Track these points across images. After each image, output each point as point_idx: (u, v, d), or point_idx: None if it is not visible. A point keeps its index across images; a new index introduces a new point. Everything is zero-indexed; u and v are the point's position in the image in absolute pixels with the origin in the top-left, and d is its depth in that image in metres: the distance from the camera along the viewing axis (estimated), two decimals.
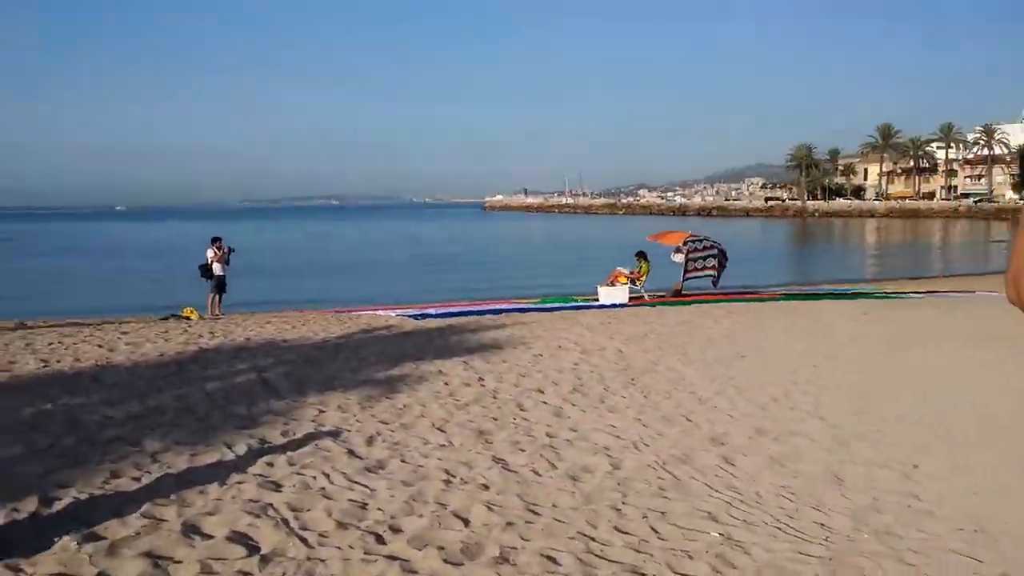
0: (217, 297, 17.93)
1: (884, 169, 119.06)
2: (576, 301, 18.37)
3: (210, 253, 17.68)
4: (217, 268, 17.71)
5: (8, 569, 4.26)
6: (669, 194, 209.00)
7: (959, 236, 63.73)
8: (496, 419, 7.27)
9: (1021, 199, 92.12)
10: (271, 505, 5.17)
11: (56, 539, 4.64)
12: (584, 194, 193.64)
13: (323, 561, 4.31)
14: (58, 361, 10.36)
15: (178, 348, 11.32)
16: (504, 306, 17.16)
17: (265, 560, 4.32)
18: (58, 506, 5.26)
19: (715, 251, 19.28)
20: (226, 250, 17.73)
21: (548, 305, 17.47)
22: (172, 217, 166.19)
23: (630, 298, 17.90)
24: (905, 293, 20.28)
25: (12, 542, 4.53)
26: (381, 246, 56.25)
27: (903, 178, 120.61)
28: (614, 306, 17.23)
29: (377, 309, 17.91)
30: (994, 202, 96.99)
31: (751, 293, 20.19)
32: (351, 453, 6.29)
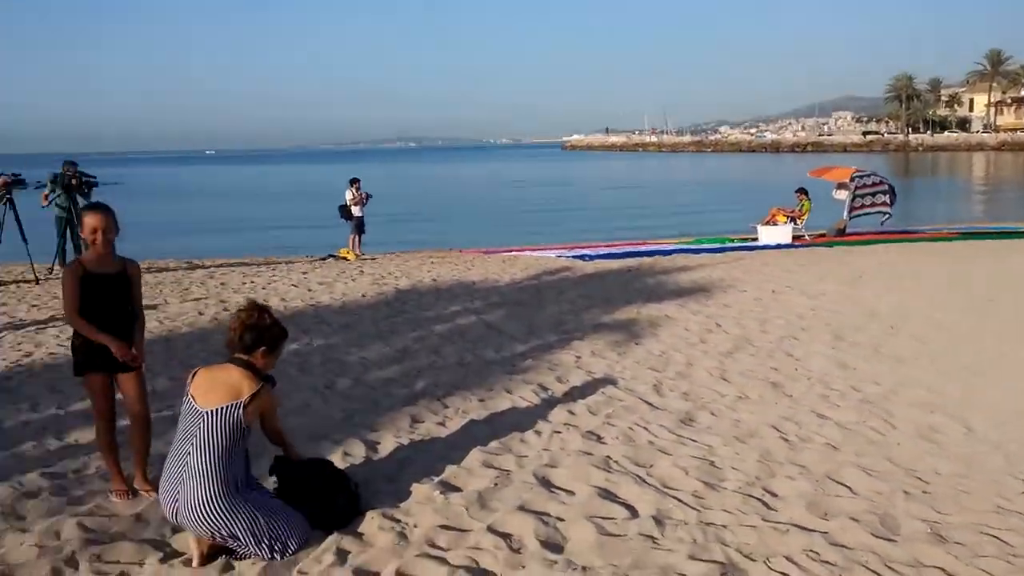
0: (358, 238, 17.91)
1: (992, 99, 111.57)
2: (732, 242, 17.64)
3: (349, 194, 17.60)
4: (356, 210, 17.63)
5: (385, 518, 4.09)
6: (753, 131, 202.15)
7: None
8: (776, 369, 6.83)
9: None
10: (610, 458, 4.88)
11: (410, 488, 4.46)
12: (668, 132, 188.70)
13: (724, 527, 3.99)
14: (265, 300, 10.39)
15: (373, 289, 11.23)
16: (665, 247, 16.60)
17: (658, 523, 4.03)
18: (384, 451, 5.11)
19: (885, 187, 18.19)
20: (364, 195, 17.58)
21: (705, 246, 16.83)
22: (261, 161, 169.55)
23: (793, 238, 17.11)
24: None
25: (369, 490, 4.36)
26: (480, 187, 55.93)
27: (1013, 108, 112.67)
28: (779, 246, 16.48)
29: (528, 250, 17.60)
30: None
31: (914, 232, 19.05)
32: (648, 404, 5.97)
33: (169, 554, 3.79)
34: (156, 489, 4.42)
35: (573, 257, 15.10)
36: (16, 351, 7.82)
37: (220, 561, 3.67)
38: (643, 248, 16.48)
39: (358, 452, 5.07)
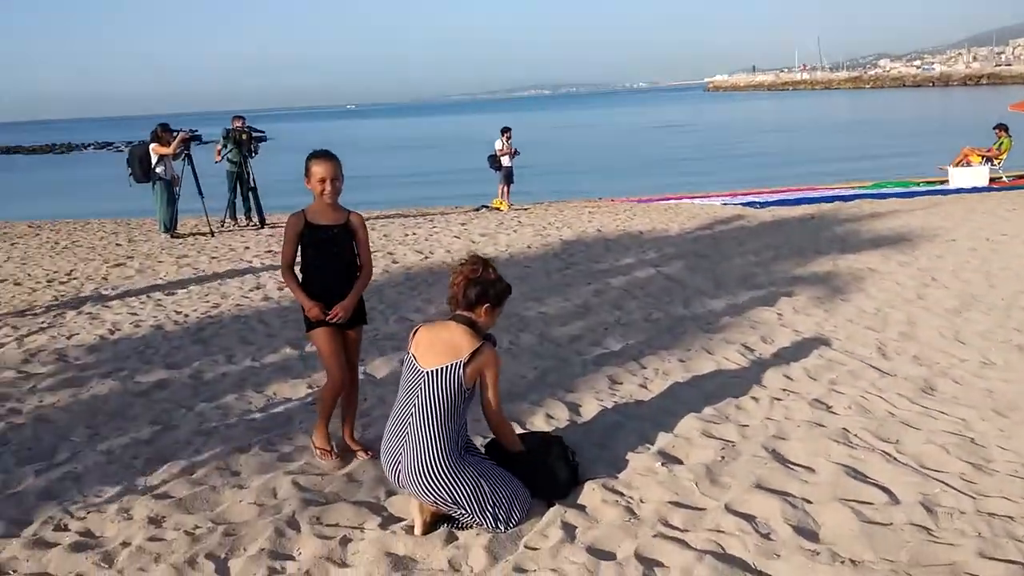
0: (506, 188, 17.63)
1: None
2: (919, 185, 16.14)
3: (499, 144, 17.28)
4: (505, 160, 17.31)
5: (607, 490, 3.74)
6: (917, 63, 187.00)
7: None
8: (1020, 330, 5.98)
9: None
10: (847, 431, 4.33)
11: (626, 457, 4.10)
12: (822, 68, 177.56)
13: (1012, 519, 3.38)
14: (430, 252, 10.30)
15: (537, 240, 10.93)
16: (842, 192, 15.39)
17: (928, 511, 3.47)
18: (587, 414, 4.77)
19: None
20: (512, 149, 17.20)
21: (888, 190, 15.46)
22: (398, 114, 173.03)
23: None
24: None
25: (582, 458, 4.01)
26: (622, 133, 54.57)
27: None
28: (974, 190, 14.91)
29: (687, 197, 16.80)
30: None
31: None
32: (875, 369, 5.33)
33: (388, 519, 3.61)
34: (365, 448, 4.30)
35: (742, 204, 14.24)
36: (204, 302, 8.02)
37: (442, 531, 3.45)
38: (818, 194, 15.32)
39: (560, 415, 4.76)
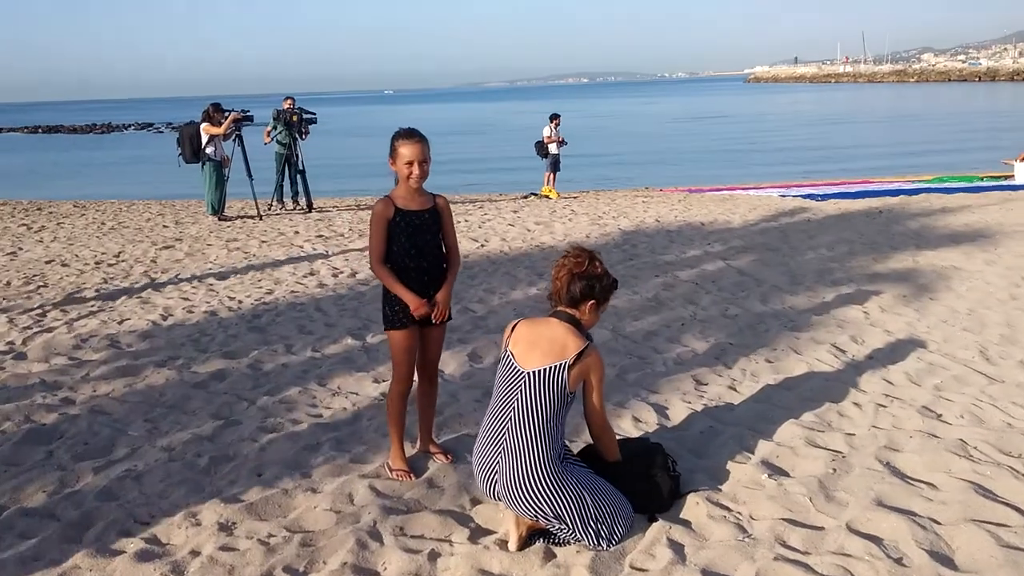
0: (553, 176, 17.28)
1: None
2: (983, 180, 15.48)
3: (547, 131, 16.91)
4: (553, 147, 16.95)
5: (712, 504, 3.40)
6: (961, 57, 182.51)
7: None
8: None
9: None
10: (965, 443, 3.93)
11: (726, 466, 3.75)
12: (865, 60, 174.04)
13: None
14: (486, 239, 9.99)
15: (594, 229, 10.57)
16: (905, 186, 14.80)
17: None
18: (675, 417, 4.43)
19: None
20: (560, 138, 16.82)
21: (953, 185, 14.83)
22: (435, 100, 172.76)
23: None
24: None
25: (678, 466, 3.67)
26: (663, 122, 53.79)
27: None
28: None
29: (740, 188, 16.32)
30: None
31: None
32: (983, 375, 4.91)
33: (476, 531, 3.30)
34: (445, 452, 4.00)
35: (801, 196, 13.74)
36: (257, 288, 7.79)
37: (539, 547, 3.14)
38: (881, 187, 14.75)
39: (648, 418, 4.43)
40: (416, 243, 3.72)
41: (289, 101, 13.75)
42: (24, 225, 12.18)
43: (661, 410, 4.53)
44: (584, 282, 3.26)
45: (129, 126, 68.06)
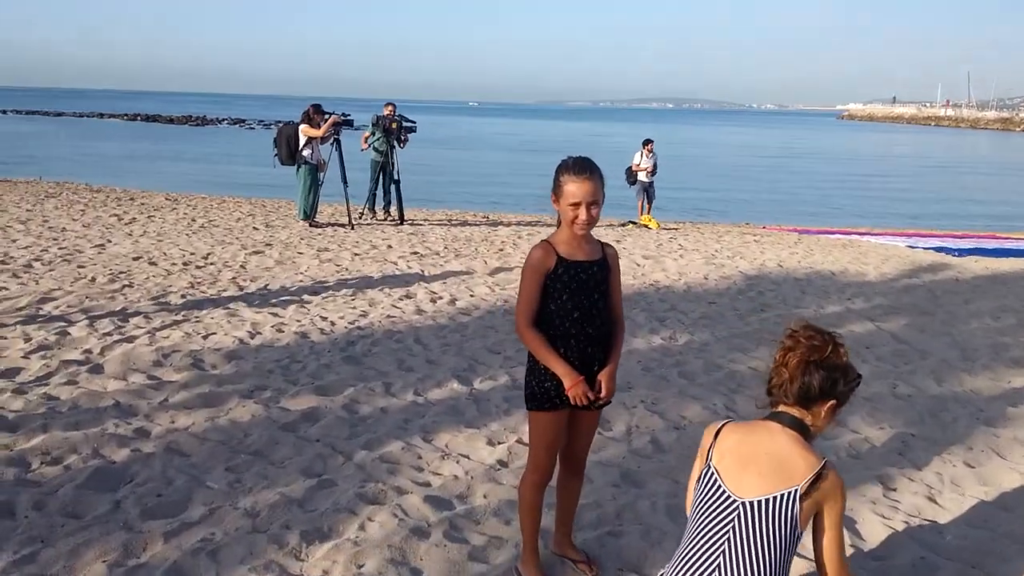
0: (648, 204, 16.42)
1: None
2: None
3: (637, 157, 16.08)
4: (643, 175, 16.11)
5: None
6: None
7: None
8: None
9: None
10: None
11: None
12: (970, 104, 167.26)
13: None
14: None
15: (712, 271, 9.64)
16: None
17: None
18: (870, 536, 3.52)
19: None
20: (653, 166, 15.99)
21: None
22: (519, 114, 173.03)
23: None
24: None
25: None
26: (756, 155, 52.11)
27: None
28: None
29: (857, 233, 15.13)
30: None
31: None
32: None
33: None
34: (588, 560, 3.19)
35: (933, 249, 12.53)
36: (351, 308, 7.14)
37: None
38: None
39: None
40: (581, 303, 2.91)
41: (390, 107, 13.23)
42: (116, 216, 11.91)
43: (849, 523, 3.62)
44: (824, 374, 2.39)
45: (223, 120, 69.77)
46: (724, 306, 7.76)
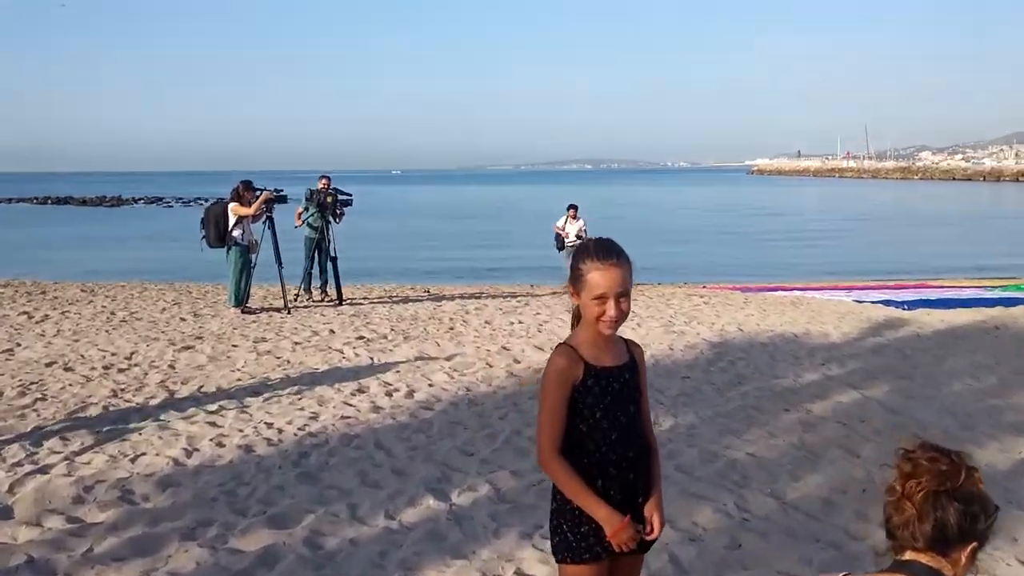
0: None
1: None
2: None
3: (560, 222, 15.89)
4: (569, 241, 15.94)
5: None
6: (958, 156, 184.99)
7: None
8: None
9: None
10: None
11: None
12: (869, 156, 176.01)
13: None
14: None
15: (674, 340, 9.25)
16: (1009, 295, 13.54)
17: None
18: None
19: None
20: (583, 230, 15.88)
21: None
22: (443, 181, 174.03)
23: None
24: None
25: None
26: (679, 212, 53.14)
27: None
28: None
29: (800, 288, 15.09)
30: None
31: None
32: None
33: None
34: None
35: (880, 303, 12.49)
36: (298, 410, 6.41)
37: None
38: (968, 294, 13.51)
39: None
40: (617, 420, 2.39)
41: (325, 180, 12.66)
42: (25, 313, 10.86)
43: None
44: (961, 508, 1.83)
45: (139, 199, 67.67)
46: (699, 380, 7.33)
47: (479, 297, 13.58)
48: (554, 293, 14.73)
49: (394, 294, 14.09)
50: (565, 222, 15.71)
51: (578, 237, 15.70)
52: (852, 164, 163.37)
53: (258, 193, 11.09)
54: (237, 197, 10.96)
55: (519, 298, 13.44)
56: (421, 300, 13.11)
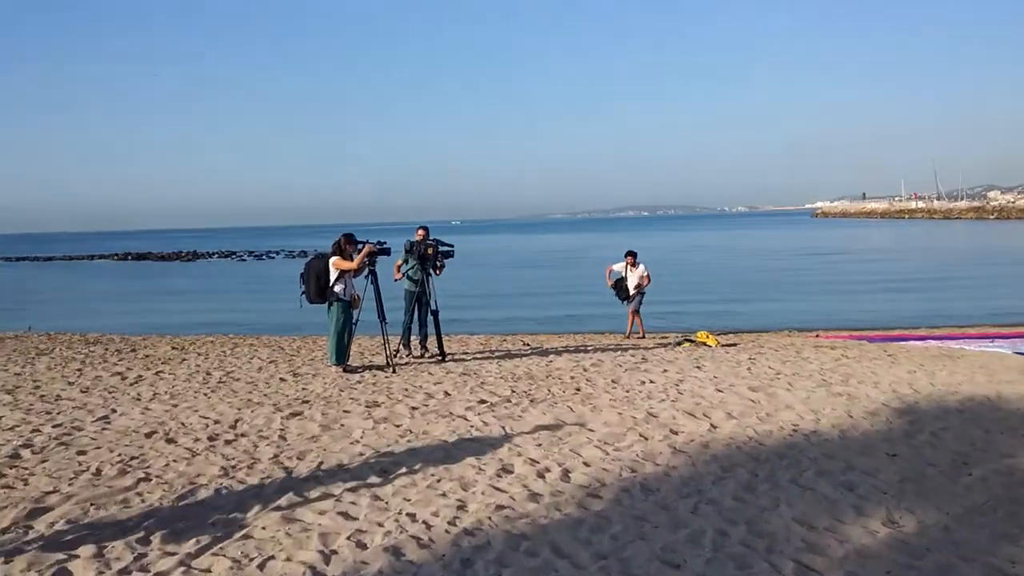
0: (638, 318, 15.25)
1: None
2: None
3: (618, 266, 15.05)
4: (631, 287, 15.09)
5: None
6: None
7: None
8: None
9: None
10: None
11: None
12: (940, 197, 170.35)
13: None
14: (706, 415, 7.50)
15: (849, 405, 8.00)
16: None
17: None
18: None
19: None
20: (646, 278, 14.96)
21: None
22: (503, 230, 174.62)
23: None
24: None
25: None
26: (749, 256, 51.38)
27: None
28: None
29: (937, 337, 13.66)
30: None
31: None
32: None
33: None
34: None
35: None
36: (440, 496, 5.40)
37: None
38: None
39: None
40: None
41: (422, 231, 11.86)
42: (118, 374, 10.16)
43: None
44: None
45: (213, 254, 69.02)
46: (910, 458, 6.09)
47: (586, 351, 12.52)
48: (663, 342, 13.69)
49: (492, 347, 13.12)
50: (625, 269, 15.01)
51: (637, 287, 14.89)
52: (921, 204, 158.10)
53: (360, 246, 10.29)
54: (339, 251, 10.18)
55: (630, 351, 12.32)
56: (525, 354, 12.11)
